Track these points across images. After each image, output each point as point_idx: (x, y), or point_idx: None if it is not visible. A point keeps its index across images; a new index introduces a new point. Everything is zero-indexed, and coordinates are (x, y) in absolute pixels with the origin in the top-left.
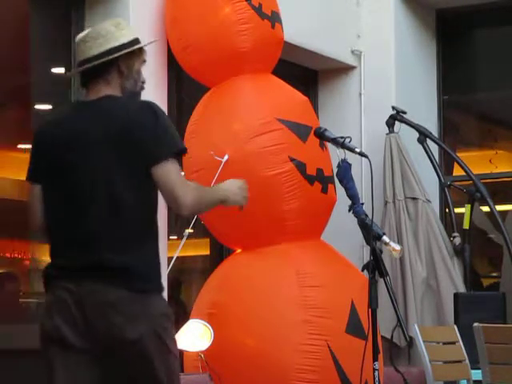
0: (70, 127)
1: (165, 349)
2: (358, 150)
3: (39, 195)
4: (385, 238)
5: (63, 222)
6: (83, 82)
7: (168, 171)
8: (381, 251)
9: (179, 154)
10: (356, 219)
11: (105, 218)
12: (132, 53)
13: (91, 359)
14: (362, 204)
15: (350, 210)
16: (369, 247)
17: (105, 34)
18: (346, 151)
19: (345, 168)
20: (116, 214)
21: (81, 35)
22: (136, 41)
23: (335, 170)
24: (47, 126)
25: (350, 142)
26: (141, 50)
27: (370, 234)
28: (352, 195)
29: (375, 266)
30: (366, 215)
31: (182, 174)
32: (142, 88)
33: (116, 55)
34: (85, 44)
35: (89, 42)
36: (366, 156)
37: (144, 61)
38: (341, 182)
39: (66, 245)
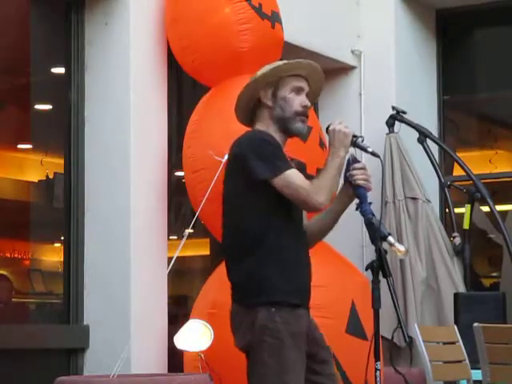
0: None
1: (257, 359)
2: (370, 149)
3: None
4: (390, 238)
5: None
6: None
7: None
8: (385, 251)
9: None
10: (357, 219)
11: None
12: (270, 83)
13: None
14: (370, 204)
15: (357, 209)
16: (369, 247)
17: (255, 74)
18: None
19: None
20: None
21: None
22: (270, 71)
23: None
24: None
25: (362, 141)
26: (289, 76)
27: (376, 234)
28: (360, 194)
29: (379, 267)
30: (373, 215)
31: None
32: (300, 113)
33: (245, 94)
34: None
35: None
36: (378, 156)
37: (297, 87)
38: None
39: None
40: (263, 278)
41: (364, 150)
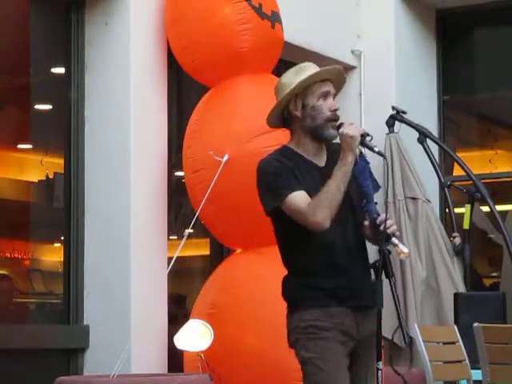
0: None
1: (299, 358)
2: (376, 149)
3: None
4: (394, 239)
5: None
6: None
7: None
8: (389, 252)
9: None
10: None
11: None
12: (298, 94)
13: None
14: (376, 203)
15: (362, 208)
16: (370, 247)
17: (279, 86)
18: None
19: (362, 166)
20: None
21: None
22: (300, 83)
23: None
24: None
25: (370, 140)
26: (315, 83)
27: (381, 234)
28: (366, 193)
29: (382, 266)
30: (379, 214)
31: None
32: (330, 118)
33: (277, 110)
34: (275, 96)
35: (276, 95)
36: (384, 156)
37: (324, 92)
38: (356, 179)
39: None
40: (295, 289)
41: (371, 149)
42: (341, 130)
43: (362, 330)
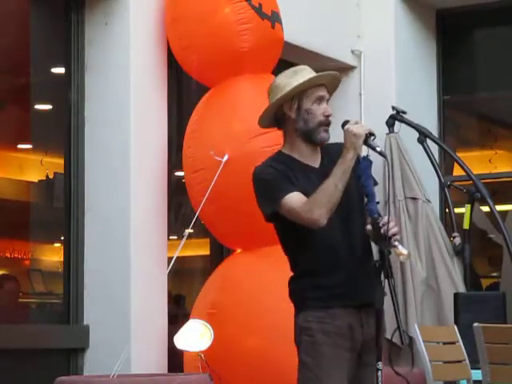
0: None
1: (298, 359)
2: (378, 149)
3: None
4: (394, 241)
5: None
6: None
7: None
8: (389, 252)
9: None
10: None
11: None
12: (294, 96)
13: None
14: (378, 203)
15: (364, 208)
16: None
17: (274, 87)
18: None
19: (365, 165)
20: None
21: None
22: (301, 84)
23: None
24: None
25: (373, 139)
26: (310, 88)
27: (381, 235)
28: (368, 193)
29: (382, 267)
30: (380, 215)
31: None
32: (323, 123)
33: (271, 110)
34: (268, 97)
35: (269, 96)
36: (385, 156)
37: (319, 97)
38: (359, 178)
39: None
40: (300, 290)
41: (373, 148)
42: (346, 127)
43: (367, 331)
